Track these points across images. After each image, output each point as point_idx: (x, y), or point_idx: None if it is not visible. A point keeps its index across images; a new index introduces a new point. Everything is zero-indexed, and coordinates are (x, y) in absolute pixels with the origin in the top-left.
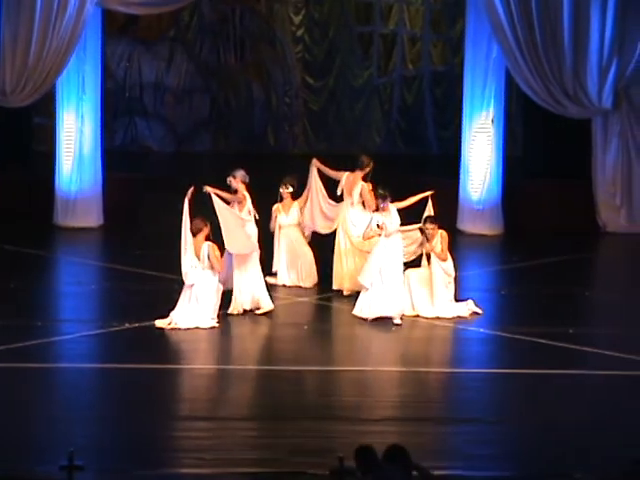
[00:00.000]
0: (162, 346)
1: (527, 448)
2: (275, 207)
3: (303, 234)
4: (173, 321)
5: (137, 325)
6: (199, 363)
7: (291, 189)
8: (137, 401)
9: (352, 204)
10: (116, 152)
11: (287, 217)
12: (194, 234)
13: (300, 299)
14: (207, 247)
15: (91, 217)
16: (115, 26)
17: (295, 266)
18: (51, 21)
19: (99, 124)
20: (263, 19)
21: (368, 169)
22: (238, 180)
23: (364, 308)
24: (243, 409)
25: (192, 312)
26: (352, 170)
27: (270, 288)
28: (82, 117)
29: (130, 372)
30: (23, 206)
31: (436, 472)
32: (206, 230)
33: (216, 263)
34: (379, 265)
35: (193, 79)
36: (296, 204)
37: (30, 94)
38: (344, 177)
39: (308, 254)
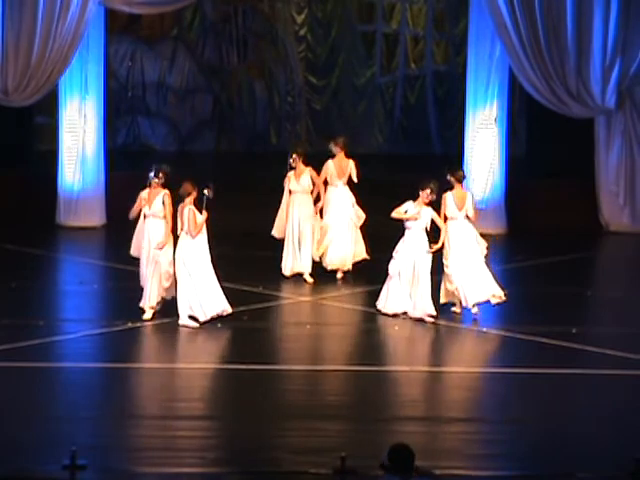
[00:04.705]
0: (164, 346)
1: (531, 447)
2: (287, 175)
3: (314, 204)
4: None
5: (140, 325)
6: (201, 362)
7: (299, 158)
8: (140, 400)
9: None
10: (119, 151)
11: (298, 184)
12: (182, 198)
13: (303, 298)
14: (187, 211)
15: (94, 216)
16: (118, 25)
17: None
18: (54, 20)
19: (102, 123)
20: (265, 18)
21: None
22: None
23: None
24: (245, 408)
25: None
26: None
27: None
28: (85, 116)
29: (132, 372)
30: (25, 205)
31: (438, 472)
32: (194, 194)
33: (191, 226)
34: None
35: (195, 78)
36: (308, 170)
37: (33, 93)
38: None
39: (308, 238)
